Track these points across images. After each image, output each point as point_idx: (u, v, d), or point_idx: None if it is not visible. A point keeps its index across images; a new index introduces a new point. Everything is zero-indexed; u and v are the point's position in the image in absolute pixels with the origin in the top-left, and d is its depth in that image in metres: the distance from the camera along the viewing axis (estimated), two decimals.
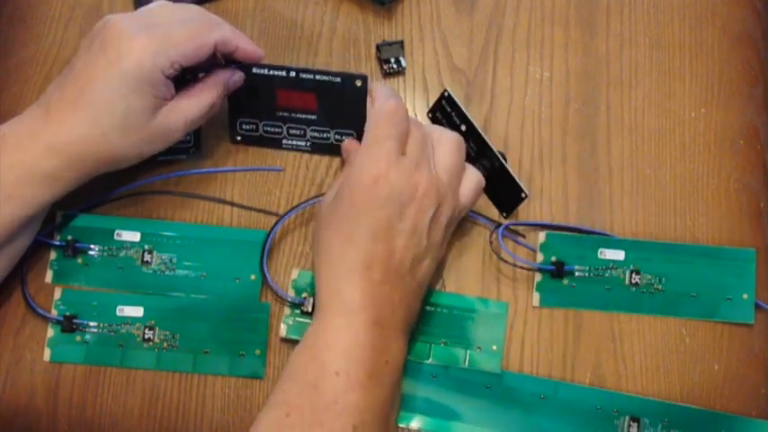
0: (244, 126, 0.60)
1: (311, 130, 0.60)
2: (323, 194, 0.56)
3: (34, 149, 0.51)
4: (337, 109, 0.58)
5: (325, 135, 0.60)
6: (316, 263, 0.54)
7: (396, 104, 0.53)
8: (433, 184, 0.52)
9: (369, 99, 0.56)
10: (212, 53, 0.54)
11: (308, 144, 0.60)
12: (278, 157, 0.62)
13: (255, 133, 0.60)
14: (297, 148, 0.61)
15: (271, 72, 0.57)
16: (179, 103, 0.54)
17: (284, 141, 0.61)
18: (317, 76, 0.57)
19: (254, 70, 0.57)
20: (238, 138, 0.61)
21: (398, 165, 0.51)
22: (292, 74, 0.57)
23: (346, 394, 0.48)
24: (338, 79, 0.57)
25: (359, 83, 0.57)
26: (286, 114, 0.59)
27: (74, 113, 0.51)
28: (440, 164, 0.54)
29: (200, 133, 0.61)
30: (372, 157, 0.52)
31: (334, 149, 0.60)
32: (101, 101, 0.51)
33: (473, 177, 0.56)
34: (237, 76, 0.57)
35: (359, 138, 0.57)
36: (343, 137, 0.60)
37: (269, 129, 0.60)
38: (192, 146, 0.61)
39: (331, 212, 0.53)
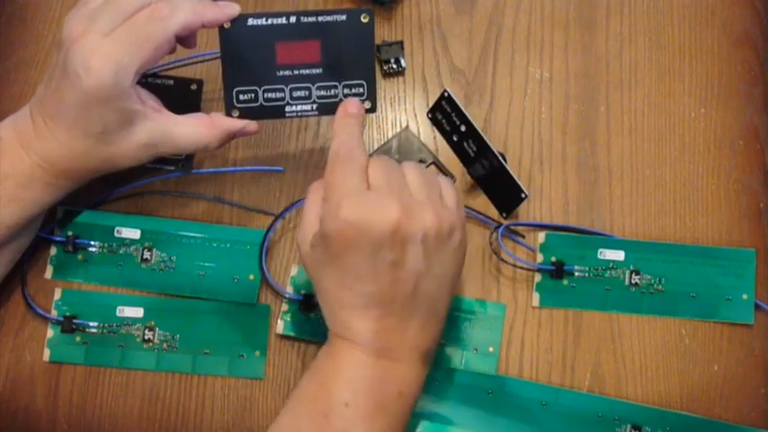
0: (241, 96, 0.54)
1: (317, 88, 0.55)
2: None
3: (30, 159, 0.52)
4: (343, 56, 0.54)
5: (332, 92, 0.55)
6: (317, 293, 0.51)
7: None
8: (403, 208, 0.48)
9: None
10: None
11: (315, 106, 0.55)
12: (278, 157, 0.62)
13: (255, 103, 0.55)
14: (302, 114, 0.55)
15: (269, 21, 0.53)
16: (176, 124, 0.53)
17: (288, 108, 0.55)
18: (320, 18, 0.53)
19: (250, 22, 0.53)
20: (235, 112, 0.55)
21: (356, 198, 0.48)
22: (292, 19, 0.53)
23: (356, 425, 0.48)
24: (343, 16, 0.53)
25: (365, 18, 0.53)
26: (288, 73, 0.54)
27: (55, 131, 0.51)
28: (413, 184, 0.50)
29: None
30: (321, 201, 0.49)
31: None
32: (75, 124, 0.51)
33: (449, 188, 0.53)
34: (252, 127, 0.55)
35: (368, 90, 0.55)
36: (353, 90, 0.55)
37: (270, 95, 0.55)
38: (183, 159, 0.60)
39: (318, 253, 0.50)
